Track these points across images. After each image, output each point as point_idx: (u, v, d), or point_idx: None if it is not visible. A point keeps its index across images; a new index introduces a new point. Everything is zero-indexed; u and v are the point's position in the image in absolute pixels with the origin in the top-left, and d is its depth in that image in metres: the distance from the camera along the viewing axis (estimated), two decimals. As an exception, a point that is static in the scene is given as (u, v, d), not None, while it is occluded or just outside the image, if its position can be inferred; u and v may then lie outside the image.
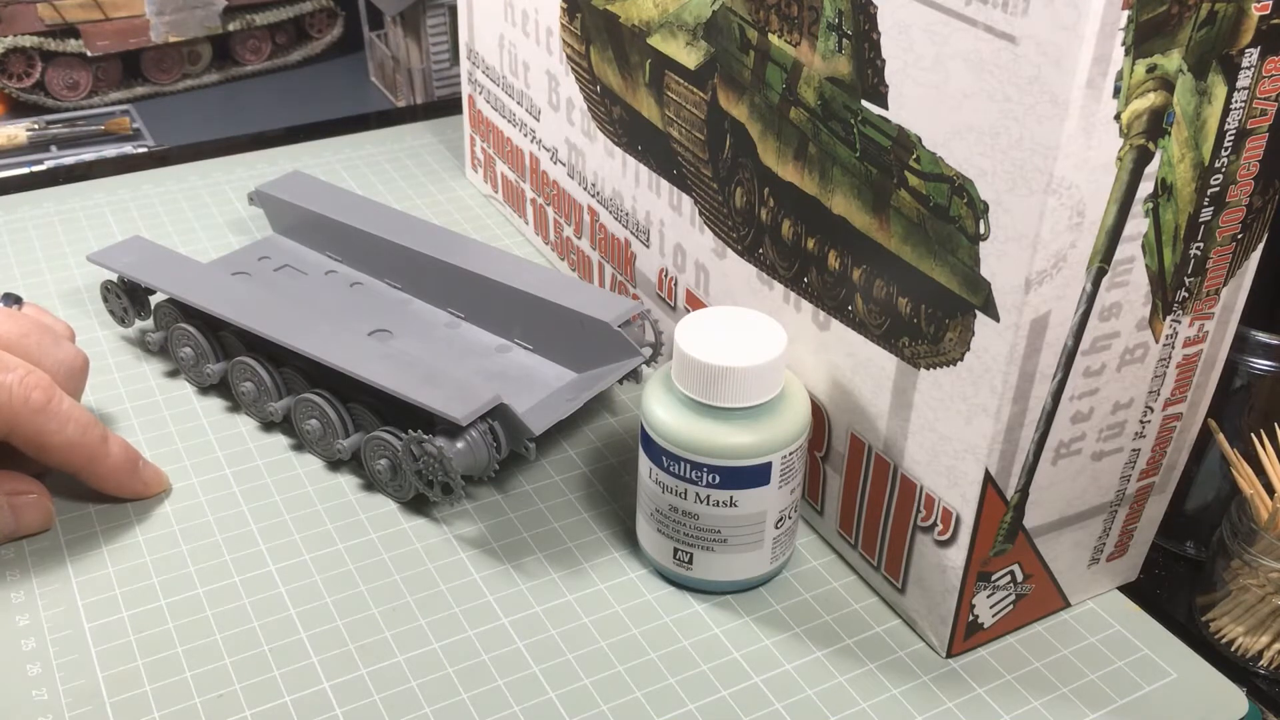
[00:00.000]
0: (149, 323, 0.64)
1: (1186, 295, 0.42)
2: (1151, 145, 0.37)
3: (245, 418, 0.60)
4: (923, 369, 0.44)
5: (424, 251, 0.63)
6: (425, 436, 0.51)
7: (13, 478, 0.52)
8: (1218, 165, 0.39)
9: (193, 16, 1.01)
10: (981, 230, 0.39)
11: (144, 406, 0.60)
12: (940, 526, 0.46)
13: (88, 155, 0.91)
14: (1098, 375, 0.42)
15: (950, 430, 0.44)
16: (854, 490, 0.50)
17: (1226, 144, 0.38)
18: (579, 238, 0.69)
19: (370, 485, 0.56)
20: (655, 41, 0.54)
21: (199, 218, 0.77)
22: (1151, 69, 0.35)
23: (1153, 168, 0.38)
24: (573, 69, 0.63)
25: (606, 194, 0.64)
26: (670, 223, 0.58)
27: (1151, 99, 0.36)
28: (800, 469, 0.49)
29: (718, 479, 0.47)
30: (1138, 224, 0.39)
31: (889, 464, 0.48)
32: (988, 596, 0.47)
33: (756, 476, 0.47)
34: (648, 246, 0.61)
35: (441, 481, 0.52)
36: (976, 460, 0.43)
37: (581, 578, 0.51)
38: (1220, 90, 0.37)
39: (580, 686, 0.46)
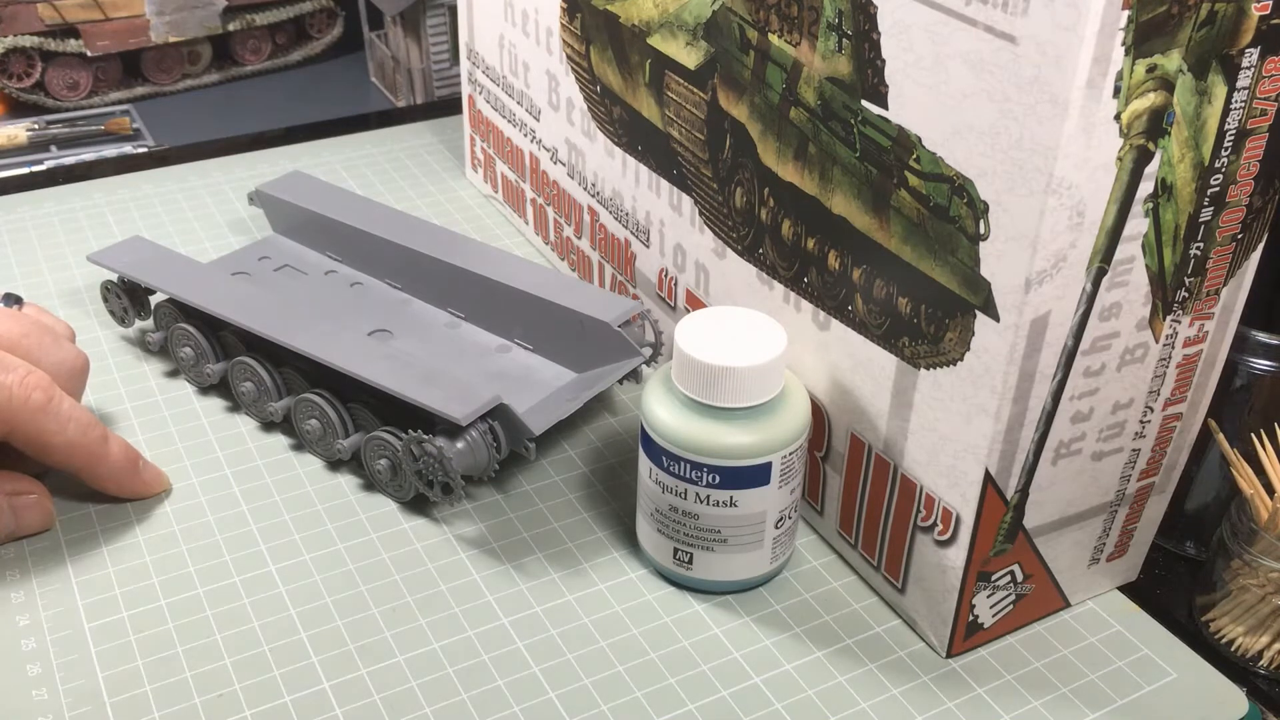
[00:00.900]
0: (149, 323, 0.64)
1: (1186, 295, 0.42)
2: (1151, 145, 0.37)
3: (245, 418, 0.60)
4: (923, 369, 0.44)
5: (424, 251, 0.63)
6: (425, 436, 0.51)
7: (13, 478, 0.52)
8: (1218, 165, 0.39)
9: (193, 16, 1.01)
10: (981, 230, 0.39)
11: (144, 406, 0.60)
12: (940, 526, 0.46)
13: (88, 155, 0.91)
14: (1098, 375, 0.42)
15: (950, 430, 0.44)
16: (854, 490, 0.50)
17: (1226, 144, 0.38)
18: (579, 238, 0.69)
19: (370, 485, 0.56)
20: (655, 41, 0.54)
21: (199, 218, 0.77)
22: (1151, 69, 0.35)
23: (1153, 168, 0.38)
24: (573, 69, 0.63)
25: (606, 194, 0.64)
26: (670, 223, 0.58)
27: (1151, 99, 0.36)
28: (800, 469, 0.49)
29: (718, 479, 0.47)
30: (1138, 224, 0.39)
31: (889, 464, 0.48)
32: (988, 596, 0.47)
33: (756, 476, 0.47)
34: (648, 246, 0.61)
35: (441, 481, 0.52)
36: (976, 460, 0.43)
37: (581, 578, 0.51)
38: (1220, 90, 0.37)
39: (580, 686, 0.46)
